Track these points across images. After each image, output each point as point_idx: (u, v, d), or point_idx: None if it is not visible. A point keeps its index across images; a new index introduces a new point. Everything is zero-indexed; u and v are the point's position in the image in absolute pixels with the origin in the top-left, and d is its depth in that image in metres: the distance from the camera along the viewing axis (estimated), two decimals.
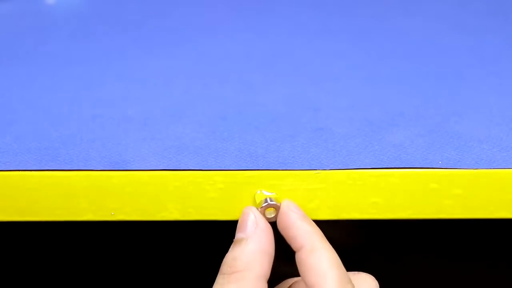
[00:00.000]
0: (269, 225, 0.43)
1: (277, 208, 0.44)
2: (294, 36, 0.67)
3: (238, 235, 0.42)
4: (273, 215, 0.44)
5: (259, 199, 0.44)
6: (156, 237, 0.86)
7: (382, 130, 0.49)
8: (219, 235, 0.81)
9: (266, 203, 0.44)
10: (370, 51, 0.63)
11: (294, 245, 0.42)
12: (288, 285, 0.46)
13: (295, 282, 0.46)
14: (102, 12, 0.73)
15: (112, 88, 0.56)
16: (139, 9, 0.74)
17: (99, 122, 0.50)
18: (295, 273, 0.44)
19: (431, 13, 0.72)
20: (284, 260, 0.46)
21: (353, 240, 0.83)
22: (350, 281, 0.41)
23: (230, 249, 0.42)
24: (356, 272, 0.44)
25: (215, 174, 0.45)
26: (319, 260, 0.40)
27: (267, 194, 0.45)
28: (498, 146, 0.47)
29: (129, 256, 0.87)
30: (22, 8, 0.72)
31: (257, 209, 0.44)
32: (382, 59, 0.62)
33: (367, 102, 0.54)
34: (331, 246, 0.42)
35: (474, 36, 0.66)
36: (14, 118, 0.51)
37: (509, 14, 0.72)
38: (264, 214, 0.44)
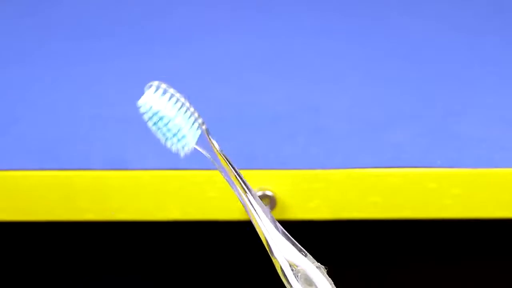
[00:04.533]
0: None
1: (271, 199, 0.43)
2: (294, 36, 0.67)
3: None
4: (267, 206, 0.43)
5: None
6: (156, 237, 0.86)
7: (381, 130, 0.49)
8: (219, 235, 0.81)
9: (261, 193, 0.43)
10: (370, 51, 0.63)
11: None
12: None
13: None
14: (102, 12, 0.73)
15: (112, 88, 0.56)
16: (139, 9, 0.74)
17: (99, 122, 0.51)
18: None
19: (431, 13, 0.72)
20: None
21: (352, 240, 0.84)
22: None
23: None
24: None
25: (215, 174, 0.45)
26: None
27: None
28: (497, 146, 0.47)
29: (129, 256, 0.87)
30: (22, 8, 0.72)
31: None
32: (382, 59, 0.62)
33: (367, 102, 0.54)
34: None
35: (474, 36, 0.66)
36: (14, 118, 0.51)
37: (509, 14, 0.72)
38: None
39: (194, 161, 0.46)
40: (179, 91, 0.57)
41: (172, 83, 0.59)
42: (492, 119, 0.51)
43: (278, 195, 0.45)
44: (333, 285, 0.37)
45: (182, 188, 0.45)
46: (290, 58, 0.62)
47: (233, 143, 0.48)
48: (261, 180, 0.45)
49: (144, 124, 0.50)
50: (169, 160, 0.46)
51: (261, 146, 0.47)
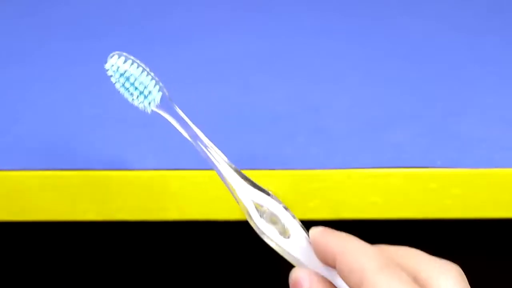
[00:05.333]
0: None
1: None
2: (294, 36, 0.67)
3: None
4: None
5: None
6: (156, 237, 0.86)
7: (381, 129, 0.49)
8: (219, 235, 0.81)
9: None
10: (370, 51, 0.63)
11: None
12: None
13: None
14: (102, 12, 0.73)
15: (112, 88, 0.56)
16: (139, 9, 0.74)
17: (99, 122, 0.51)
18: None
19: (431, 13, 0.72)
20: None
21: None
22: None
23: None
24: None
25: (215, 174, 0.45)
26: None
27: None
28: (497, 146, 0.47)
29: (129, 256, 0.87)
30: (22, 8, 0.72)
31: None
32: (382, 59, 0.62)
33: (367, 102, 0.54)
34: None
35: (474, 36, 0.66)
36: (14, 118, 0.51)
37: (509, 14, 0.72)
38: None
39: (194, 161, 0.46)
40: (179, 90, 0.57)
41: (172, 83, 0.59)
42: (492, 119, 0.51)
43: (278, 195, 0.45)
44: (298, 220, 0.38)
45: (182, 188, 0.45)
46: (290, 58, 0.62)
47: (233, 143, 0.48)
48: (261, 180, 0.45)
49: (144, 124, 0.50)
50: (169, 160, 0.46)
51: (261, 146, 0.47)
